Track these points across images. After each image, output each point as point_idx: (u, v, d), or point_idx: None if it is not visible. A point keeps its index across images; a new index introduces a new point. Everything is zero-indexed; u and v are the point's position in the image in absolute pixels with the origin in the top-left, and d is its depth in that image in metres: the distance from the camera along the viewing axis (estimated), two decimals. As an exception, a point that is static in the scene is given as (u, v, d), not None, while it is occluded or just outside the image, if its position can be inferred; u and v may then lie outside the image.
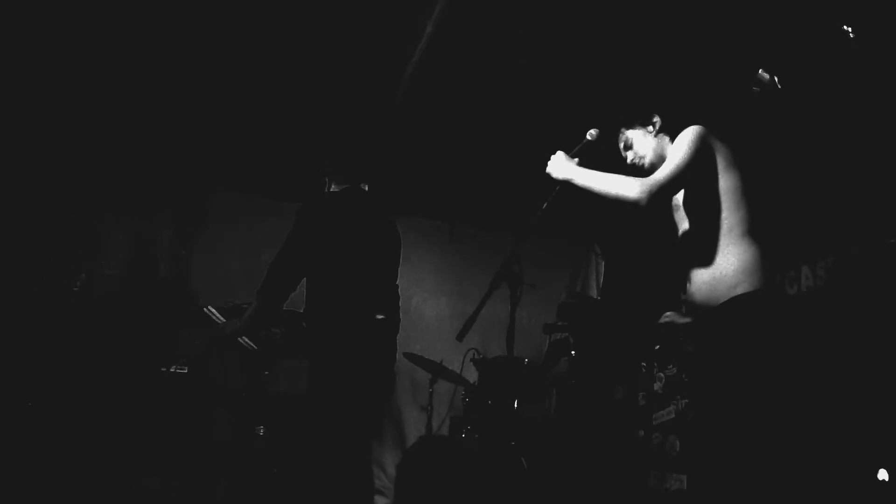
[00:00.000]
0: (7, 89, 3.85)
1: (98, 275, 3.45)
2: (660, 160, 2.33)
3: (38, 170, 3.98)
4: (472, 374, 4.49)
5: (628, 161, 2.46)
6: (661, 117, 2.43)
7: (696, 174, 2.18)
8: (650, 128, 2.43)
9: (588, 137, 2.45)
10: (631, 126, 2.46)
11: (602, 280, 5.82)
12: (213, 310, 3.22)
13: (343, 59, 3.86)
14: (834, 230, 3.39)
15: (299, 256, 2.74)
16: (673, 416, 3.78)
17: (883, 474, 2.68)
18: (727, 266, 2.12)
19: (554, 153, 2.39)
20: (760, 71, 3.12)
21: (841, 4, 2.95)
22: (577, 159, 2.38)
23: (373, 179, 2.98)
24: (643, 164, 2.41)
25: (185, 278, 4.44)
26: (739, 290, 2.08)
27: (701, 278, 2.18)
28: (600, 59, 3.63)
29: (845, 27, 2.98)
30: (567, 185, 2.31)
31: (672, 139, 2.33)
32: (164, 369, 3.63)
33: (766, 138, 3.59)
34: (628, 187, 2.15)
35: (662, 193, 2.15)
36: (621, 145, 2.49)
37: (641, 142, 2.43)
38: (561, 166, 2.34)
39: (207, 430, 3.73)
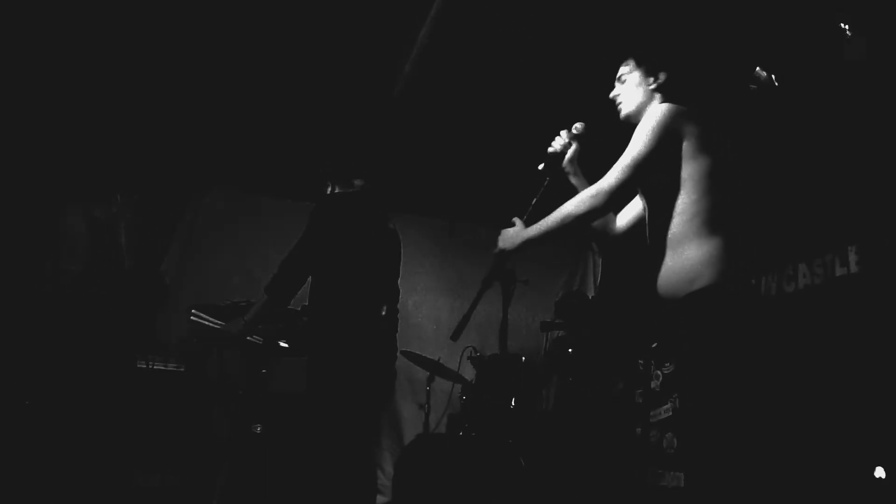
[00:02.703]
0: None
1: (61, 271, 3.37)
2: (637, 117, 2.24)
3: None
4: (469, 372, 4.49)
5: (611, 94, 2.35)
6: (666, 77, 2.28)
7: (655, 165, 2.08)
8: (651, 79, 2.28)
9: (574, 131, 2.41)
10: (639, 65, 2.31)
11: (599, 277, 5.82)
12: (201, 314, 3.22)
13: (340, 55, 3.85)
14: (833, 228, 3.39)
15: (311, 255, 2.78)
16: (671, 413, 3.77)
17: (880, 472, 2.69)
18: (687, 257, 2.03)
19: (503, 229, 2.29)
20: (758, 69, 3.12)
21: (839, 2, 2.95)
22: (548, 179, 2.35)
23: (375, 181, 3.03)
24: (619, 109, 2.32)
25: (153, 267, 4.34)
26: (697, 285, 1.99)
27: (663, 271, 2.11)
28: (598, 54, 3.61)
29: (842, 25, 2.98)
30: (530, 244, 2.21)
31: (661, 101, 2.23)
32: (141, 364, 3.59)
33: (760, 133, 3.58)
34: (583, 204, 2.10)
35: (620, 193, 2.10)
36: (619, 75, 2.34)
37: (633, 88, 2.30)
38: (510, 238, 2.25)
39: (205, 428, 3.73)
